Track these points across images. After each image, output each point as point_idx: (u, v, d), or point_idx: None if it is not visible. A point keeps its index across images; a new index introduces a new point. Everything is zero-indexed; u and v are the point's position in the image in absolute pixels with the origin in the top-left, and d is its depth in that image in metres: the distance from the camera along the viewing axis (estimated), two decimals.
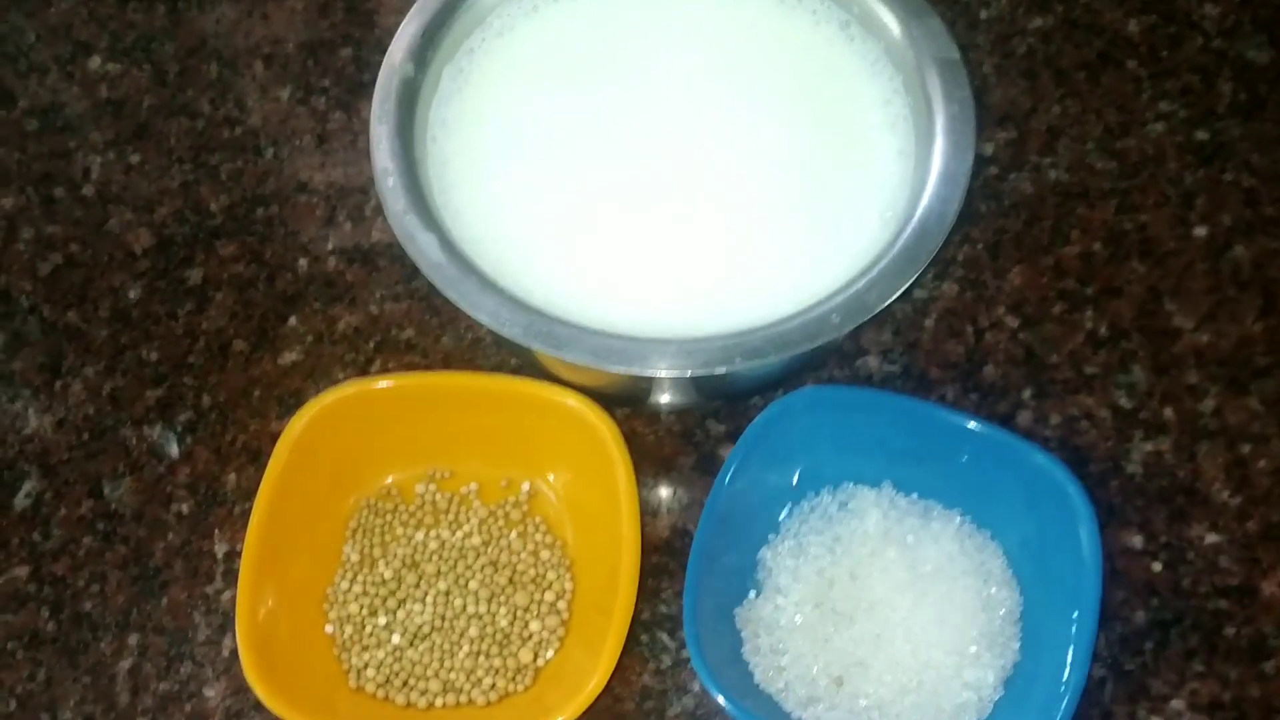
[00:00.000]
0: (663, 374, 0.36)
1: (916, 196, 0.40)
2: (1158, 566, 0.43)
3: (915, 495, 0.43)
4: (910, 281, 0.38)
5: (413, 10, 0.42)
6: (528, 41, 0.44)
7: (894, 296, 0.38)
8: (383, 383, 0.43)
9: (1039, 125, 0.51)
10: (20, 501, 0.45)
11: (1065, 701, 0.37)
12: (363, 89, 0.53)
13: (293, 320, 0.48)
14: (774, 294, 0.39)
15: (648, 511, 0.43)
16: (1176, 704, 0.41)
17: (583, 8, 0.45)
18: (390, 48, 0.41)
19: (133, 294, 0.49)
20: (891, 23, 0.43)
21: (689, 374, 0.36)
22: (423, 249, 0.38)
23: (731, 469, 0.41)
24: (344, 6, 0.55)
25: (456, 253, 0.38)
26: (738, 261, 0.40)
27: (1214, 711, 0.41)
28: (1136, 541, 0.43)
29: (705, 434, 0.45)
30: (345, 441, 0.42)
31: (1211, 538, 0.43)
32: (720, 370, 0.37)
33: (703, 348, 0.37)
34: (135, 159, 0.52)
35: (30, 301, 0.49)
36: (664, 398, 0.45)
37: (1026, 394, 0.45)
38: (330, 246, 0.49)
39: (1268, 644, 0.42)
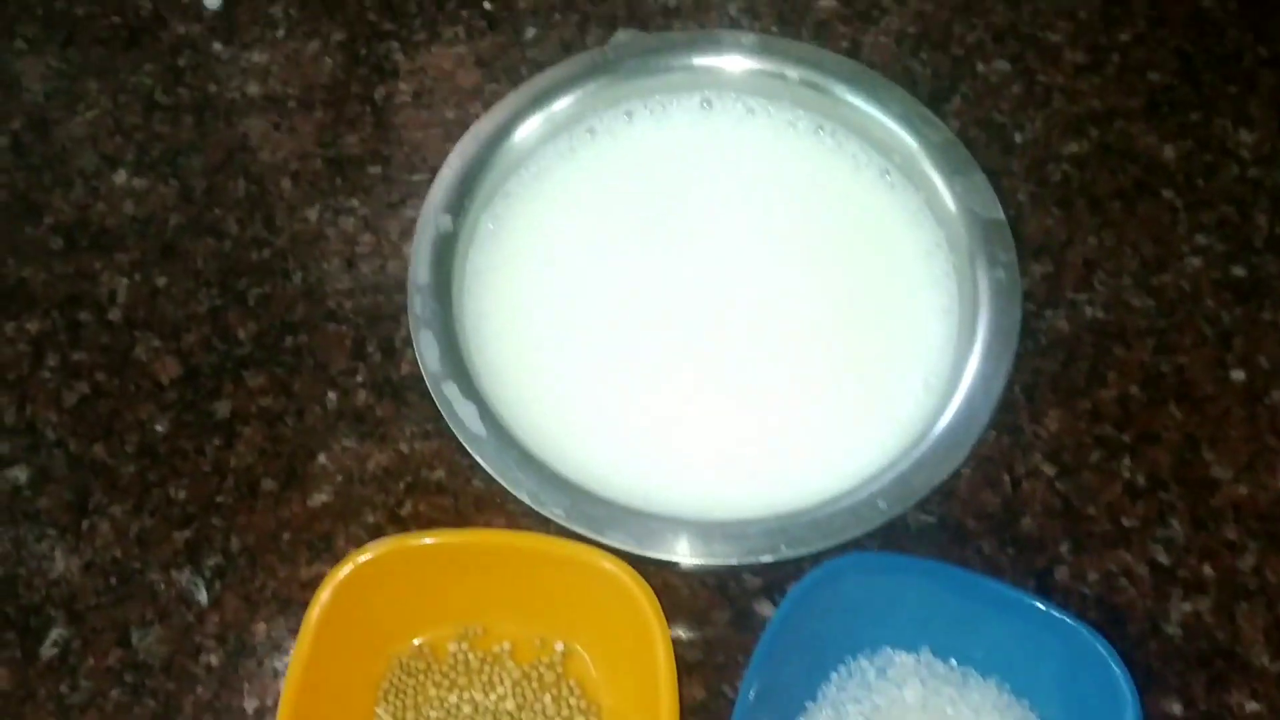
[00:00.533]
0: (706, 562, 0.36)
1: (961, 364, 0.40)
2: None
3: (954, 662, 0.42)
4: (957, 465, 0.38)
5: (450, 157, 0.42)
6: (565, 184, 0.44)
7: (941, 480, 0.37)
8: (417, 540, 0.42)
9: (1075, 258, 0.51)
10: (47, 650, 0.45)
11: None
12: (392, 211, 0.53)
13: (322, 458, 0.47)
14: (817, 470, 0.39)
15: (682, 669, 0.43)
16: None
17: (619, 150, 0.44)
18: (428, 198, 0.41)
19: (160, 427, 0.48)
20: (933, 175, 0.42)
21: (734, 563, 0.36)
22: (463, 420, 0.38)
23: (770, 639, 0.40)
24: (372, 121, 0.55)
25: (496, 423, 0.38)
26: (780, 433, 0.40)
27: None
28: (1176, 709, 0.43)
29: (740, 588, 0.45)
30: (379, 599, 0.42)
31: (1251, 705, 0.43)
32: (766, 559, 0.36)
33: (748, 533, 0.37)
34: (162, 281, 0.51)
35: (56, 434, 0.48)
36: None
37: (1064, 548, 0.45)
38: (360, 379, 0.49)
39: None
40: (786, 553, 0.36)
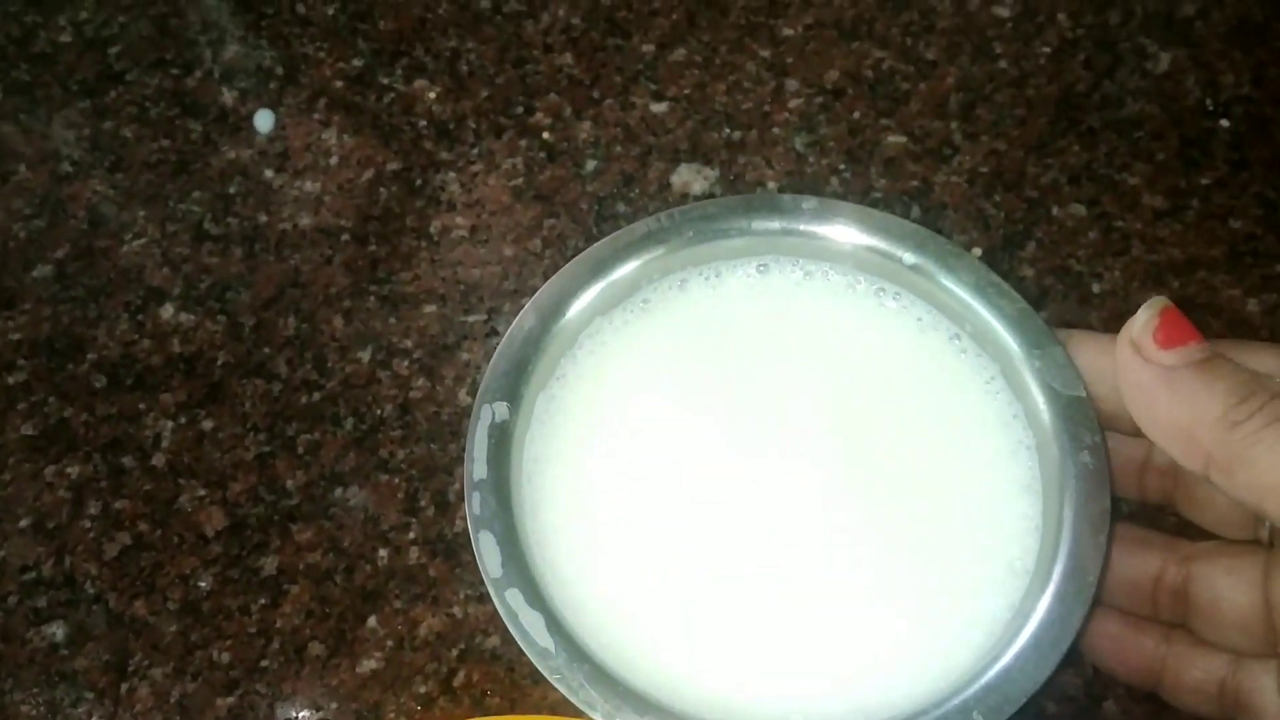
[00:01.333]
0: None
1: (1050, 550, 0.37)
2: None
3: None
4: (1055, 666, 0.35)
5: (502, 343, 0.40)
6: (620, 359, 0.42)
7: (1039, 685, 0.35)
8: None
9: None
10: None
11: None
12: (446, 352, 0.51)
13: (372, 621, 0.45)
14: (904, 675, 0.37)
15: None
16: None
17: (674, 321, 0.43)
18: (481, 387, 0.39)
19: (204, 584, 0.46)
20: (1008, 347, 0.40)
21: None
22: (529, 630, 0.36)
23: None
24: (428, 257, 0.53)
25: (564, 633, 0.35)
26: (862, 635, 0.38)
27: None
28: None
29: None
30: None
31: None
32: None
33: None
34: (208, 425, 0.50)
35: (96, 589, 0.47)
36: None
37: (1168, 699, 0.42)
38: (412, 535, 0.47)
39: None
40: None
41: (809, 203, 0.43)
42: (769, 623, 0.37)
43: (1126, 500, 0.41)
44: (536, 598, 0.36)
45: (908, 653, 0.37)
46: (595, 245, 0.42)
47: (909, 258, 0.42)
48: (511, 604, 0.36)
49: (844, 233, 0.43)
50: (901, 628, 0.37)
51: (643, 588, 0.38)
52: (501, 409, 0.39)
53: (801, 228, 0.43)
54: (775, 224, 0.43)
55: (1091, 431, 0.38)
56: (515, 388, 0.40)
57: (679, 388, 0.41)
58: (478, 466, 0.38)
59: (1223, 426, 0.30)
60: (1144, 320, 0.32)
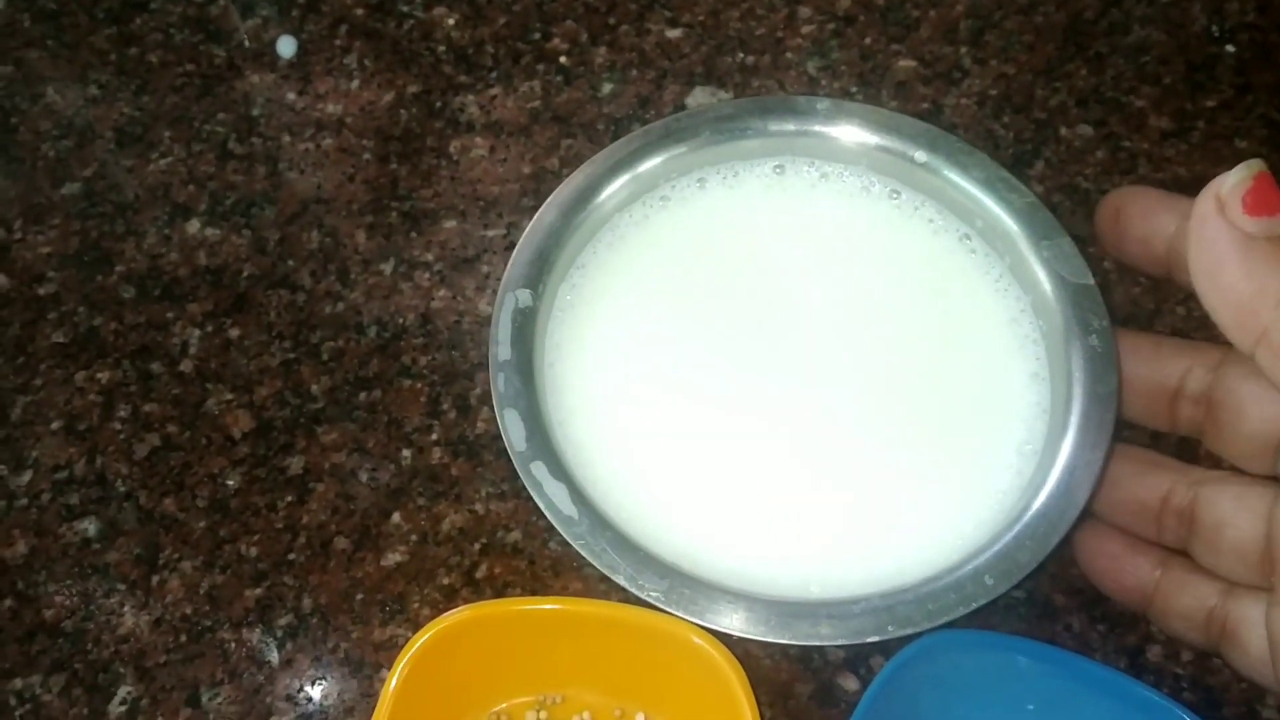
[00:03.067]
0: (812, 643, 0.35)
1: (1058, 432, 0.39)
2: None
3: None
4: (1063, 535, 0.36)
5: (527, 231, 0.41)
6: (640, 253, 0.43)
7: (1047, 553, 0.36)
8: (497, 608, 0.41)
9: (1163, 327, 0.50)
10: (115, 708, 0.44)
11: None
12: (468, 265, 0.52)
13: (396, 517, 0.46)
14: (917, 545, 0.38)
15: None
16: None
17: (693, 218, 0.44)
18: (505, 274, 0.40)
19: (232, 482, 0.47)
20: (1018, 240, 0.41)
21: (841, 643, 0.35)
22: (553, 499, 0.37)
23: (861, 716, 0.39)
24: (448, 175, 0.54)
25: (587, 503, 0.37)
26: (875, 507, 0.39)
27: None
28: None
29: (824, 660, 0.44)
30: (457, 667, 0.41)
31: None
32: (872, 639, 0.35)
33: (853, 612, 0.35)
34: (234, 333, 0.51)
35: (126, 486, 0.48)
36: None
37: (1156, 626, 0.43)
38: (435, 437, 0.48)
39: None
40: (893, 633, 0.34)
41: (823, 104, 0.44)
42: (788, 497, 0.38)
43: (1156, 431, 0.41)
44: (560, 470, 0.37)
45: (922, 525, 0.38)
46: (615, 143, 0.44)
47: (920, 155, 0.43)
48: (536, 475, 0.37)
49: (857, 133, 0.44)
50: (916, 503, 0.39)
51: (663, 464, 0.39)
52: (525, 295, 0.40)
53: (816, 128, 0.44)
54: (790, 125, 0.44)
55: (1099, 316, 0.40)
56: (538, 276, 0.41)
57: (697, 281, 0.43)
58: (502, 349, 0.39)
59: None
60: (1236, 180, 0.30)
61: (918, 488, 0.38)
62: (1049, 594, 0.45)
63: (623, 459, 0.39)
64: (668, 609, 0.35)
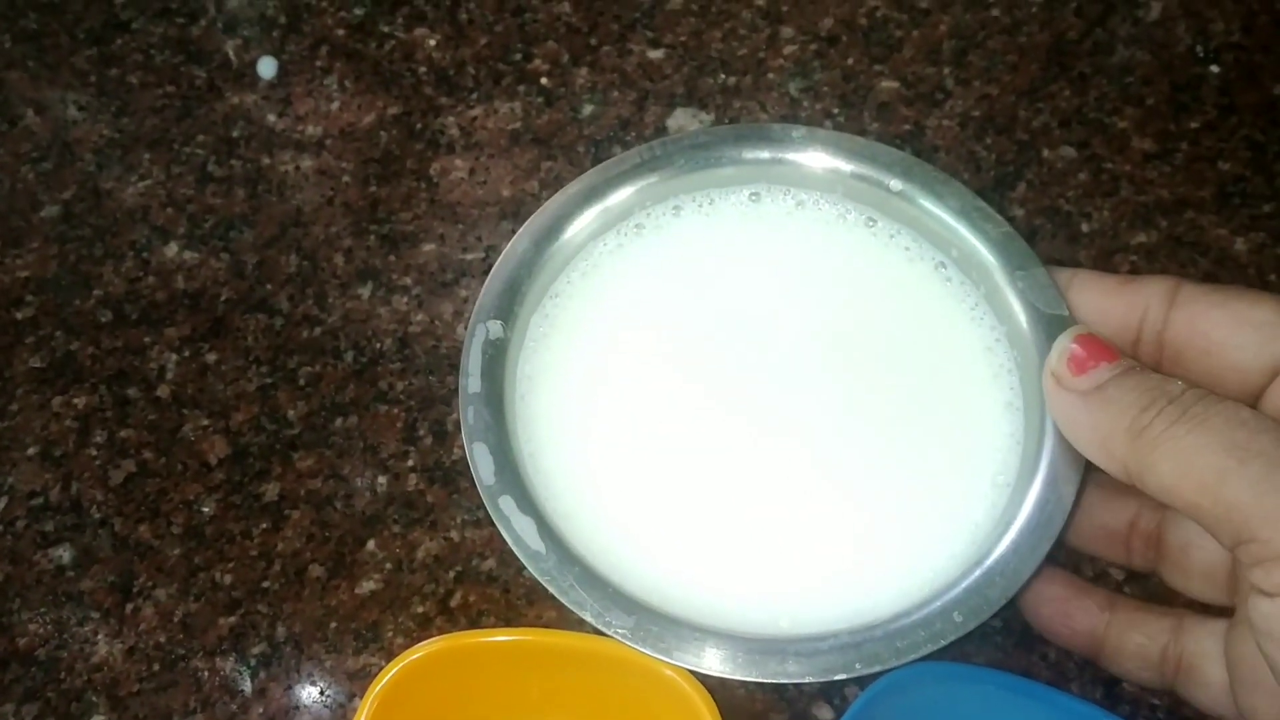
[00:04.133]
0: (779, 681, 0.35)
1: (1031, 463, 0.38)
2: None
3: None
4: (1034, 570, 0.36)
5: (499, 261, 0.41)
6: (614, 282, 0.43)
7: (1018, 588, 0.36)
8: (470, 639, 0.41)
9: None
10: None
11: None
12: (445, 289, 0.52)
13: (371, 544, 0.46)
14: (888, 581, 0.38)
15: None
16: None
17: (667, 246, 0.43)
18: (477, 304, 0.40)
19: (207, 509, 0.47)
20: (993, 270, 0.41)
21: (809, 681, 0.35)
22: (521, 534, 0.36)
23: None
24: (427, 197, 0.54)
25: (555, 538, 0.36)
26: (846, 540, 0.39)
27: None
28: None
29: (798, 690, 0.43)
30: (429, 698, 0.41)
31: None
32: (840, 677, 0.35)
33: (820, 650, 0.35)
34: (211, 358, 0.51)
35: (101, 513, 0.47)
36: None
37: (1110, 670, 0.43)
38: (411, 463, 0.48)
39: None
40: (861, 670, 0.34)
41: (798, 132, 0.44)
42: (760, 531, 0.38)
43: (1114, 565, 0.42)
44: (528, 504, 0.37)
45: (894, 560, 0.38)
46: (589, 171, 0.43)
47: (895, 184, 0.43)
48: (504, 509, 0.37)
49: (832, 160, 0.43)
50: (888, 537, 0.38)
51: (634, 498, 0.39)
52: (496, 327, 0.40)
53: (791, 156, 0.44)
54: (765, 153, 0.44)
55: None
56: (509, 307, 0.41)
57: (671, 310, 0.42)
58: (472, 381, 0.39)
59: (1130, 436, 0.31)
60: (1058, 351, 0.35)
61: (892, 521, 0.38)
62: (1025, 623, 0.44)
63: (593, 492, 0.38)
64: (634, 645, 0.35)
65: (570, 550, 0.37)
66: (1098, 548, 0.39)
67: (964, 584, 0.36)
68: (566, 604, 0.35)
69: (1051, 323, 0.40)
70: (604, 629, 0.35)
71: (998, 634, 0.44)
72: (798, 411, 0.40)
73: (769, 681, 0.35)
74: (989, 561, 0.36)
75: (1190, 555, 0.37)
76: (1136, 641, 0.38)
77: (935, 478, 0.39)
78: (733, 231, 0.44)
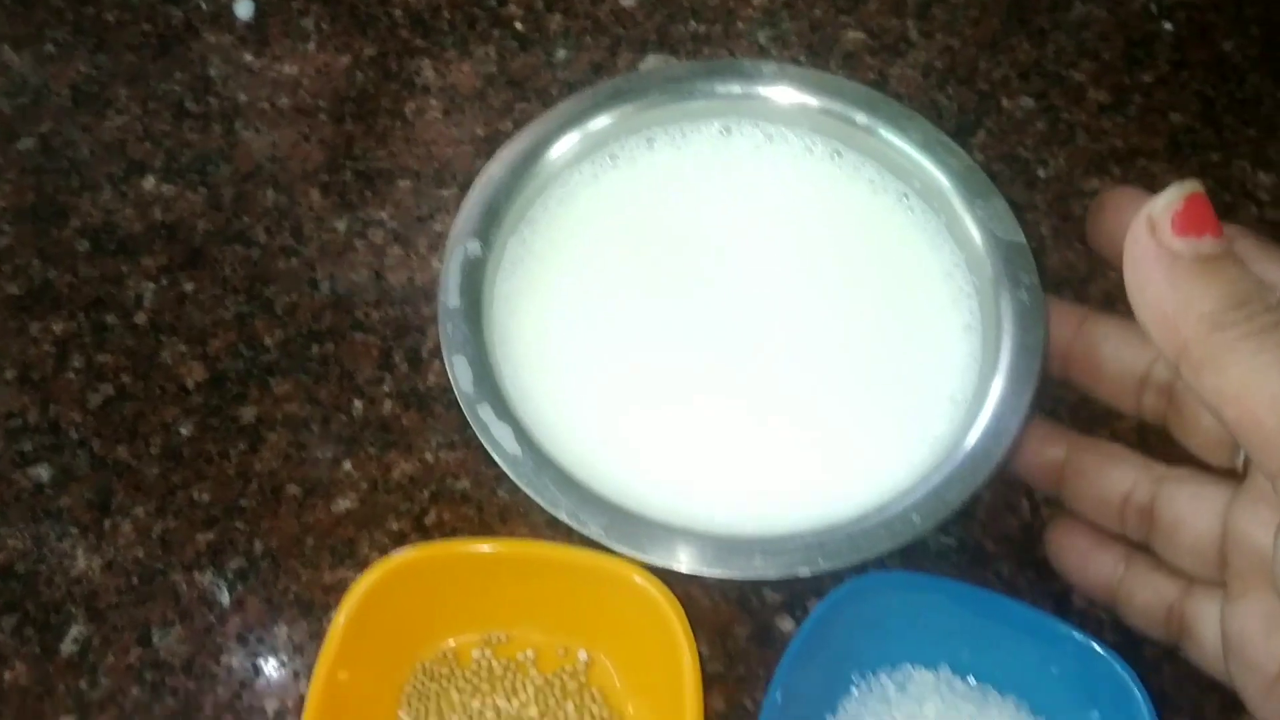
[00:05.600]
0: (744, 578, 0.36)
1: (987, 380, 0.40)
2: None
3: (973, 680, 0.43)
4: (987, 476, 0.38)
5: (477, 183, 0.42)
6: (589, 210, 0.44)
7: (972, 492, 0.38)
8: (446, 548, 0.42)
9: (1097, 292, 0.51)
10: (67, 647, 0.44)
11: None
12: (421, 224, 0.53)
13: (347, 465, 0.47)
14: (850, 487, 0.39)
15: (703, 681, 0.43)
16: None
17: (641, 176, 0.45)
18: (455, 223, 0.41)
19: (185, 430, 0.48)
20: (953, 200, 0.43)
21: (771, 576, 0.36)
22: (499, 440, 0.38)
23: (794, 654, 0.40)
24: (402, 135, 0.55)
25: (532, 444, 0.38)
26: (810, 448, 0.40)
27: None
28: None
29: (761, 602, 0.45)
30: (405, 605, 0.42)
31: None
32: (803, 573, 0.36)
33: (786, 548, 0.37)
34: (189, 287, 0.52)
35: (80, 434, 0.48)
36: None
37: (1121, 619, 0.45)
38: (386, 389, 0.49)
39: None
40: (824, 566, 0.36)
41: (768, 67, 0.45)
42: (728, 439, 0.40)
43: (1123, 414, 0.42)
44: (506, 412, 0.39)
45: (856, 469, 0.40)
46: (564, 101, 0.45)
47: (861, 118, 0.44)
48: (483, 417, 0.38)
49: (800, 96, 0.45)
50: (850, 447, 0.40)
51: (607, 411, 0.40)
52: (474, 246, 0.41)
53: (761, 91, 0.45)
54: (736, 88, 0.45)
55: (1029, 273, 0.41)
56: (486, 229, 0.42)
57: (645, 237, 0.44)
58: (451, 296, 0.40)
59: (1206, 325, 0.29)
60: (1166, 201, 0.30)
61: (855, 432, 0.40)
62: (979, 541, 0.46)
63: (569, 406, 0.40)
64: (608, 543, 0.36)
65: (545, 454, 0.38)
66: (1093, 515, 0.41)
67: (923, 489, 0.38)
68: (542, 504, 0.37)
69: (1010, 249, 0.41)
70: (579, 528, 0.36)
71: (953, 552, 0.46)
72: (765, 330, 0.42)
73: (736, 578, 0.36)
74: (947, 468, 0.38)
75: (1180, 531, 0.37)
76: (1145, 598, 0.39)
77: (896, 393, 0.41)
78: (704, 163, 0.46)
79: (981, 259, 0.42)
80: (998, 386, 0.39)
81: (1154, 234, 0.30)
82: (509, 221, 0.43)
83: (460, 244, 0.41)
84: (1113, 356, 0.40)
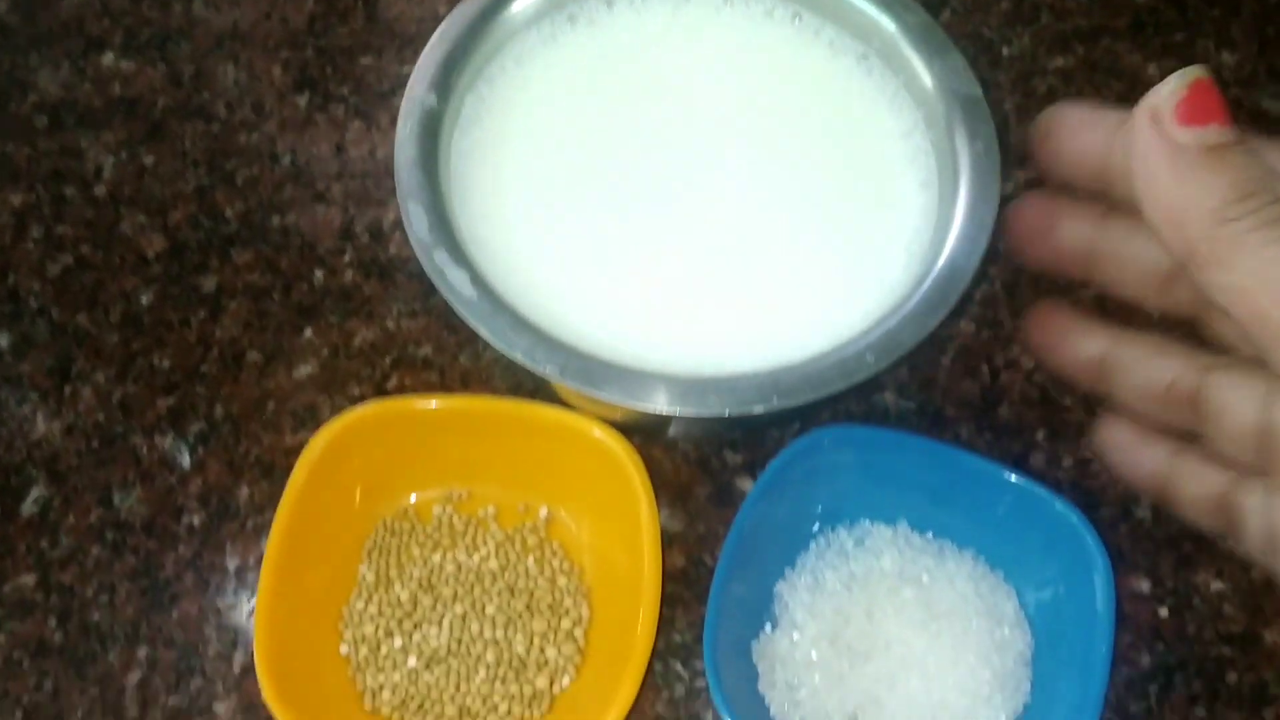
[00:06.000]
0: (699, 414, 0.36)
1: (943, 232, 0.40)
2: (1164, 612, 0.44)
3: (930, 534, 0.43)
4: (941, 318, 0.38)
5: (434, 38, 0.42)
6: (546, 69, 0.44)
7: (927, 333, 0.38)
8: (406, 404, 0.42)
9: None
10: (28, 508, 0.44)
11: None
12: (382, 100, 0.53)
13: (308, 333, 0.48)
14: (805, 330, 0.39)
15: (664, 539, 0.43)
16: None
17: (599, 37, 0.45)
18: (412, 77, 0.41)
19: (144, 299, 0.48)
20: (911, 58, 0.43)
21: (726, 413, 0.36)
22: (454, 285, 0.38)
23: (752, 504, 0.41)
24: (364, 14, 0.55)
25: (488, 288, 0.38)
26: (766, 296, 0.40)
27: None
28: (1144, 587, 0.44)
29: (722, 464, 0.45)
30: (364, 461, 0.42)
31: (1216, 585, 0.44)
32: (758, 409, 0.37)
33: (740, 386, 0.37)
34: (149, 160, 0.51)
35: (39, 302, 0.48)
36: (683, 429, 0.45)
37: (1040, 435, 0.46)
38: (347, 259, 0.49)
39: (1268, 691, 0.43)
40: (779, 404, 0.36)
41: None
42: (685, 284, 0.40)
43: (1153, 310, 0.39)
44: (461, 258, 0.39)
45: (812, 313, 0.40)
46: None
47: None
48: (438, 262, 0.38)
49: None
50: (807, 293, 0.40)
51: (563, 259, 0.40)
52: (430, 98, 0.41)
53: None
54: None
55: (986, 125, 0.41)
56: (444, 82, 0.42)
57: (603, 97, 0.44)
58: (407, 146, 0.40)
59: (1213, 220, 0.27)
60: (1170, 90, 0.28)
61: (813, 280, 0.40)
62: (940, 405, 0.47)
63: (526, 257, 0.40)
64: (563, 380, 0.36)
65: (500, 298, 0.38)
66: (1138, 405, 0.39)
67: (878, 331, 0.38)
68: (497, 346, 0.37)
69: (967, 103, 0.41)
70: (535, 367, 0.36)
71: (913, 415, 0.46)
72: (722, 186, 0.42)
73: (691, 414, 0.36)
74: (901, 311, 0.38)
75: (1224, 420, 0.36)
76: (1194, 489, 0.37)
77: (854, 245, 0.41)
78: (663, 26, 0.45)
79: (938, 115, 0.41)
80: (953, 236, 0.39)
81: (1157, 126, 0.28)
82: (466, 78, 0.42)
83: (416, 96, 0.41)
84: (1140, 253, 0.37)
